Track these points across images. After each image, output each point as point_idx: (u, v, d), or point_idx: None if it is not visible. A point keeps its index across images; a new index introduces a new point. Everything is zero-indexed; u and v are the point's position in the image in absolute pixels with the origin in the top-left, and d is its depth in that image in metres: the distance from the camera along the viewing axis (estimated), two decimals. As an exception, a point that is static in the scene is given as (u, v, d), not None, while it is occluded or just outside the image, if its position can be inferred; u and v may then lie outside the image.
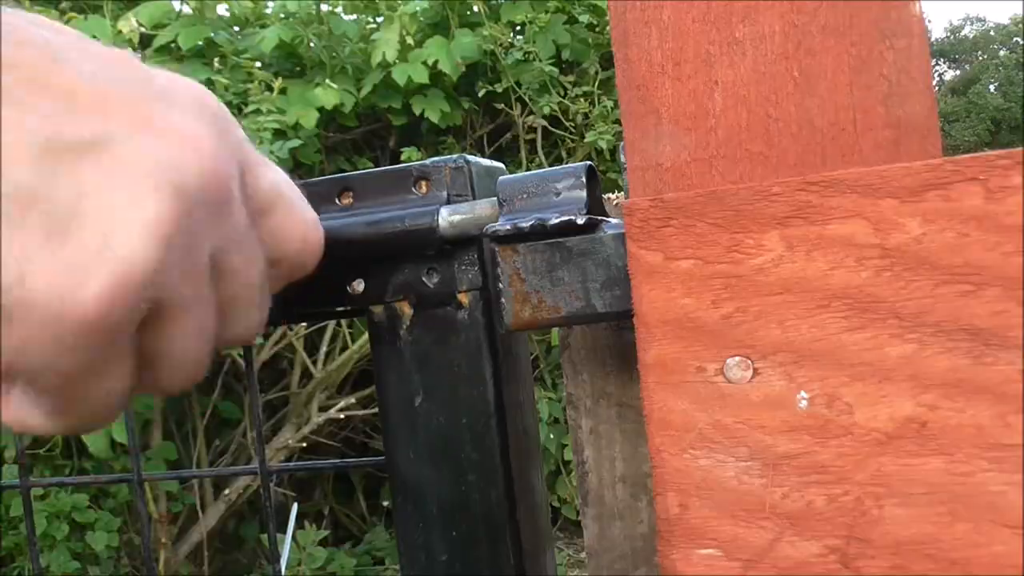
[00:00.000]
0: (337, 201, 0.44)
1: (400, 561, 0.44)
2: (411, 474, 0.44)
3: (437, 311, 0.43)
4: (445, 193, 0.43)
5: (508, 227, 0.37)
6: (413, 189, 0.43)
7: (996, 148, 0.30)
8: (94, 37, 0.33)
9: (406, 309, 0.44)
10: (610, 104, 3.49)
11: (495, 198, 0.41)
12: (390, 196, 0.44)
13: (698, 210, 0.32)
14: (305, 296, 0.44)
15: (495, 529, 0.43)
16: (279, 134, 2.94)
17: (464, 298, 0.43)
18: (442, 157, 0.44)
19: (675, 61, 0.35)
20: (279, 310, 0.44)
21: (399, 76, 3.23)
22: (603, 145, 3.35)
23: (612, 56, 0.36)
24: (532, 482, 0.47)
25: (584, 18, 3.62)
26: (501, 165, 0.48)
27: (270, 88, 2.99)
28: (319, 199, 0.44)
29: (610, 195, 0.43)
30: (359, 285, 0.44)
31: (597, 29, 3.66)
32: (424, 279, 0.43)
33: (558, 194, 0.39)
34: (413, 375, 0.44)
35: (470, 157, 0.44)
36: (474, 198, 0.43)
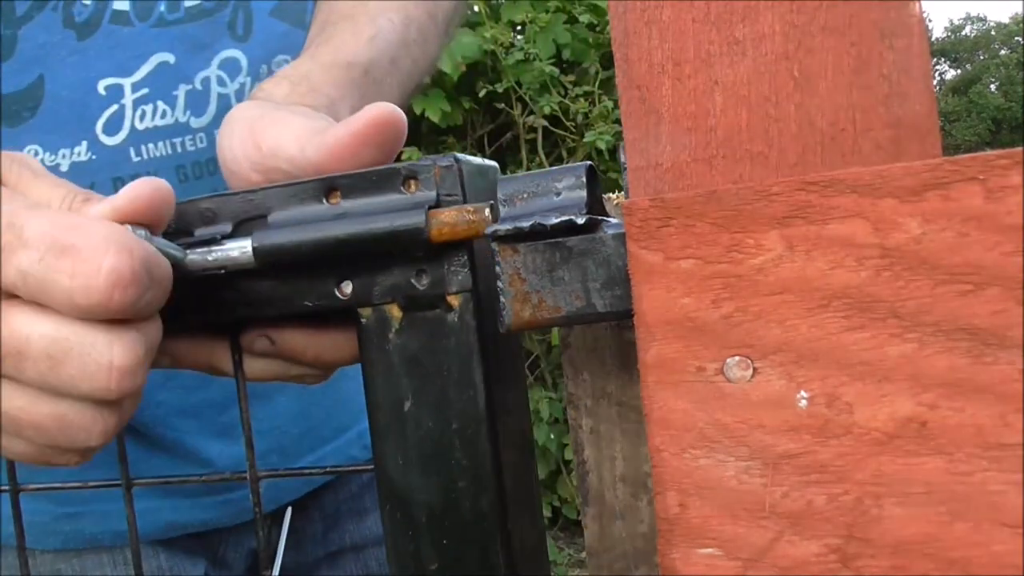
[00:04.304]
0: (324, 201, 0.43)
1: (391, 569, 0.44)
2: (400, 480, 0.43)
3: (427, 314, 0.42)
4: (434, 193, 0.42)
5: (508, 227, 0.37)
6: (401, 188, 0.43)
7: (996, 148, 0.30)
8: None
9: (395, 312, 0.43)
10: (610, 104, 3.48)
11: (485, 203, 0.40)
12: (378, 196, 0.43)
13: (698, 210, 0.32)
14: (292, 298, 0.44)
15: (487, 536, 0.42)
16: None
17: (454, 300, 0.42)
18: (431, 156, 0.43)
19: (675, 61, 0.35)
20: (262, 310, 0.44)
21: (399, 76, 3.23)
22: (603, 145, 3.34)
23: (612, 56, 0.36)
24: (529, 487, 0.46)
25: (584, 18, 3.61)
26: (494, 164, 0.47)
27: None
28: (307, 199, 0.44)
29: (610, 195, 0.43)
30: (347, 287, 0.43)
31: (597, 29, 3.65)
32: (413, 281, 0.42)
33: (558, 194, 0.39)
34: (402, 379, 0.43)
35: (461, 156, 0.43)
36: (465, 198, 0.42)
